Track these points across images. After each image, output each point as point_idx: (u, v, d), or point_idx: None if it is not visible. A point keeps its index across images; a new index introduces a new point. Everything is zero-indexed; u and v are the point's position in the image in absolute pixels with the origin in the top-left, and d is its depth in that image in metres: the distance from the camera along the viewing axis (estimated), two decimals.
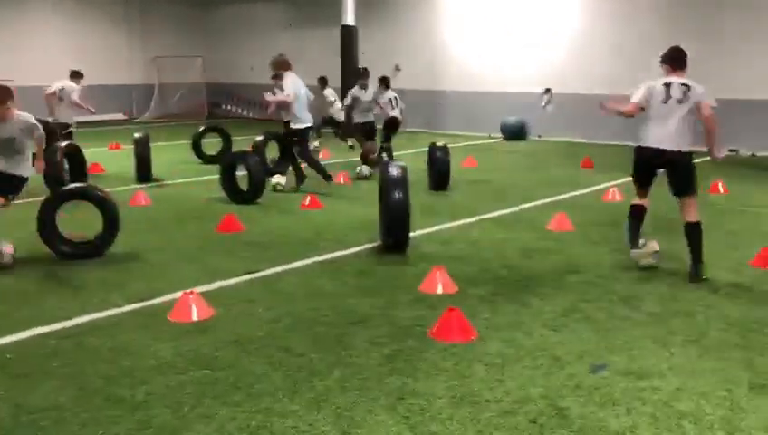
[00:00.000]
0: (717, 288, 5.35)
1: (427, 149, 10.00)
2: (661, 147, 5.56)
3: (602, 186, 9.80)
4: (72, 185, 6.75)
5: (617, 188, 9.21)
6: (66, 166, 9.22)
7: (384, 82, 11.62)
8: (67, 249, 6.13)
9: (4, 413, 3.41)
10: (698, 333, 4.47)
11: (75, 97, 10.98)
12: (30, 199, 6.91)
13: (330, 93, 13.83)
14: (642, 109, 5.72)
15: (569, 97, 15.78)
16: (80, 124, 12.17)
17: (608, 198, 8.98)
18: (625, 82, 14.61)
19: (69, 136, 11.10)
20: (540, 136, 16.50)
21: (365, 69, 11.09)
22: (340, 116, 13.65)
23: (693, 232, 5.58)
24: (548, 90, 16.27)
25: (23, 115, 6.06)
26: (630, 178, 6.02)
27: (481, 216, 8.00)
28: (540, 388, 3.70)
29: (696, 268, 5.58)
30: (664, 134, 5.55)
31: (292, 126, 9.29)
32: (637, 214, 5.96)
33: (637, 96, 5.74)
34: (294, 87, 9.11)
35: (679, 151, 5.54)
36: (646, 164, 5.77)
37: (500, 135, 16.71)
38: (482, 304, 5.03)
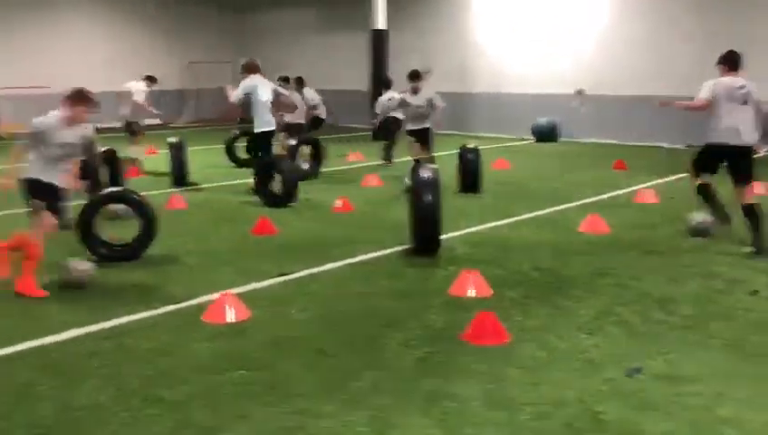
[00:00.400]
0: (757, 291, 5.25)
1: (458, 151, 9.99)
2: (730, 142, 6.19)
3: (635, 187, 9.68)
4: (111, 189, 6.88)
5: (650, 190, 9.10)
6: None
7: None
8: (105, 252, 6.26)
9: (48, 411, 3.50)
10: (738, 336, 4.40)
11: (138, 98, 11.65)
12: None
13: (310, 94, 13.02)
14: (710, 104, 6.31)
15: (601, 98, 15.65)
16: (103, 130, 12.59)
17: (641, 200, 8.88)
18: (657, 82, 14.54)
19: (133, 133, 11.91)
20: (571, 137, 16.35)
21: (416, 71, 9.86)
22: (323, 113, 13.35)
23: (753, 211, 6.22)
24: (581, 91, 16.23)
25: (88, 126, 5.72)
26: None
27: (512, 218, 7.97)
28: (575, 391, 3.68)
29: (761, 241, 6.14)
30: (731, 130, 6.17)
31: (255, 129, 9.25)
32: (709, 190, 6.52)
33: (704, 93, 6.36)
34: (248, 90, 9.03)
35: (745, 145, 6.20)
36: (715, 155, 6.35)
37: (531, 137, 16.60)
38: (514, 306, 5.01)
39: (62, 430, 3.31)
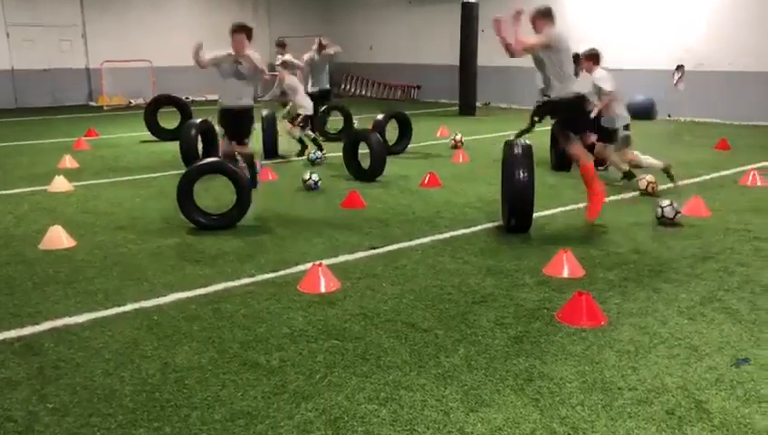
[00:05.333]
0: None
1: (550, 127, 9.70)
2: None
3: (740, 169, 9.17)
4: (209, 160, 7.08)
5: (757, 172, 8.58)
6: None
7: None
8: (203, 220, 6.48)
9: (153, 370, 3.67)
10: None
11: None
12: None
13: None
14: None
15: (702, 75, 14.87)
16: (198, 103, 12.86)
17: (746, 183, 8.39)
18: (764, 59, 13.63)
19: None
20: (670, 115, 15.64)
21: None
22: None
23: None
24: (680, 66, 15.47)
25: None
26: None
27: (608, 197, 7.68)
28: (677, 378, 3.54)
29: None
30: None
31: None
32: None
33: None
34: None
35: None
36: None
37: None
38: (611, 288, 4.85)
39: (167, 390, 3.46)
